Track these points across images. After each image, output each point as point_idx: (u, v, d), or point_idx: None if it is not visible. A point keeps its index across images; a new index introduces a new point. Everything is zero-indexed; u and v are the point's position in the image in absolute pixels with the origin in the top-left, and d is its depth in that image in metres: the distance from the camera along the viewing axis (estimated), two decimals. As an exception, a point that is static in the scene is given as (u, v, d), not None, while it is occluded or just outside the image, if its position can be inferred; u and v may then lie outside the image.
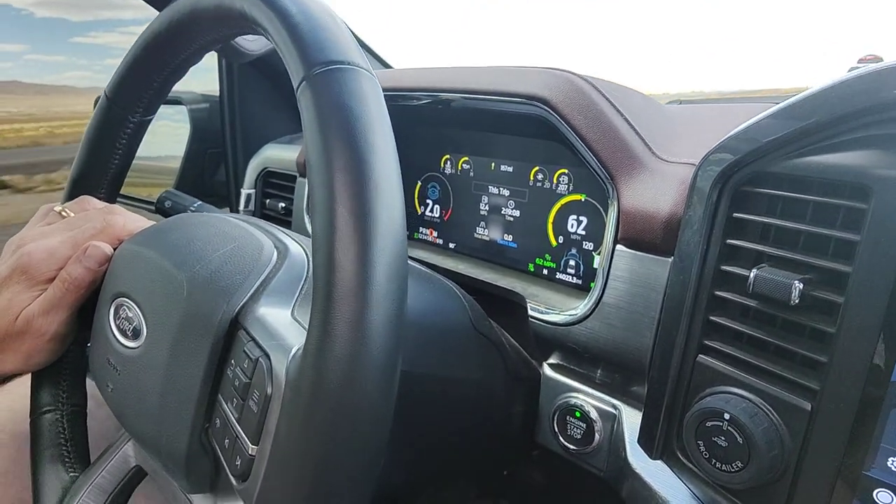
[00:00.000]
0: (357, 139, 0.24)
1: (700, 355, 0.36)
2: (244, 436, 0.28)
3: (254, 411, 0.28)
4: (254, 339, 0.30)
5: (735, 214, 0.34)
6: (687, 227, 0.35)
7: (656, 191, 0.40)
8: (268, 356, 0.28)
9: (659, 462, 0.39)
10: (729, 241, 0.34)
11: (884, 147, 0.27)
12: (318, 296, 0.23)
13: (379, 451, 0.25)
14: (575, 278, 0.54)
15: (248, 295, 0.32)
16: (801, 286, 0.30)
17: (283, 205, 0.74)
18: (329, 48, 0.26)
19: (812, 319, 0.31)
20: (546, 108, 0.44)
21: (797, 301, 0.30)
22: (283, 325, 0.30)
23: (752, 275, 0.32)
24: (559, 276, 0.55)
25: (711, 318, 0.35)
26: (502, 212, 0.59)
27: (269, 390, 0.27)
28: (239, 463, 0.28)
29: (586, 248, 0.53)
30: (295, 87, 0.26)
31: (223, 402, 0.31)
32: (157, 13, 0.40)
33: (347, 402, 0.23)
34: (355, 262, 0.23)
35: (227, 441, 0.29)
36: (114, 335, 0.37)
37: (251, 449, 0.28)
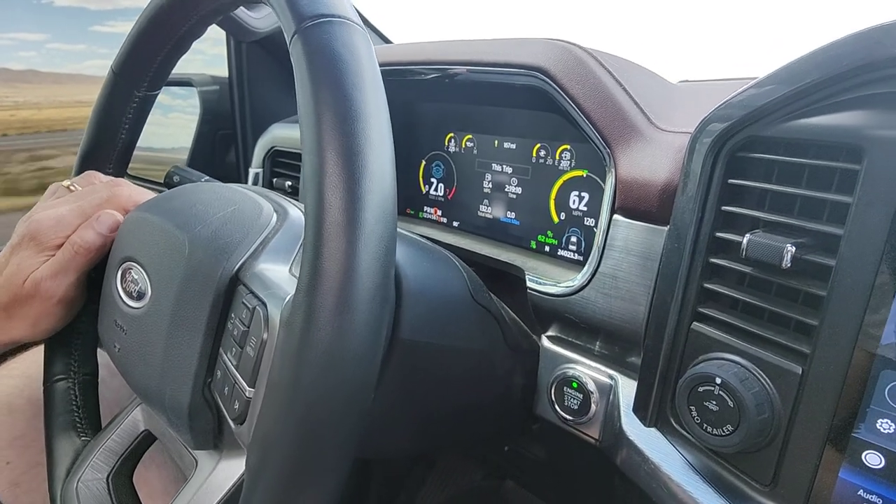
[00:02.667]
0: (346, 84, 0.25)
1: (694, 323, 0.36)
2: (241, 380, 0.29)
3: (251, 356, 0.29)
4: (252, 292, 0.31)
5: (730, 181, 0.34)
6: (682, 194, 0.35)
7: (653, 159, 0.40)
8: (264, 304, 0.29)
9: (653, 430, 0.39)
10: (724, 207, 0.34)
11: (876, 106, 0.27)
12: (308, 234, 0.24)
13: (368, 388, 0.25)
14: (576, 254, 0.54)
15: (248, 253, 0.33)
16: (794, 250, 0.30)
17: (290, 183, 0.75)
18: (320, 2, 0.27)
19: (804, 284, 0.31)
20: (545, 78, 0.44)
21: (789, 265, 0.30)
22: (281, 279, 0.31)
23: (745, 240, 0.32)
24: (560, 252, 0.55)
25: (706, 285, 0.35)
26: (505, 189, 0.60)
27: (264, 336, 0.28)
28: (237, 406, 0.29)
29: (588, 223, 0.53)
30: (287, 41, 0.27)
31: (223, 354, 0.32)
32: None
33: (338, 337, 0.23)
34: (343, 199, 0.23)
35: (226, 389, 0.31)
36: (120, 298, 0.38)
37: (248, 392, 0.29)
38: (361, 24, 0.28)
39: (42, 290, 0.41)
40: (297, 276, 0.33)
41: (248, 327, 0.30)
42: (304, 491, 0.25)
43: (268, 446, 0.26)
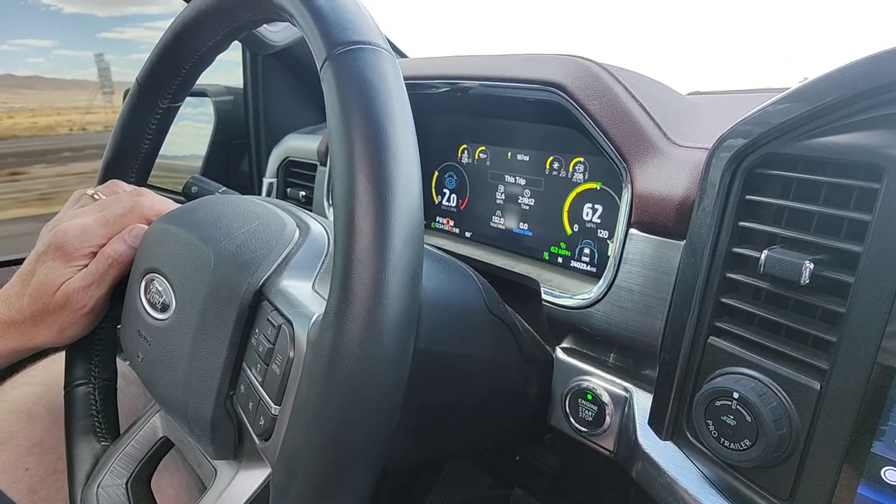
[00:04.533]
0: (377, 112, 0.25)
1: (711, 337, 0.36)
2: (267, 397, 0.30)
3: (276, 374, 0.29)
4: (277, 309, 0.31)
5: (748, 197, 0.34)
6: (700, 209, 0.36)
7: (670, 175, 0.40)
8: (290, 323, 0.29)
9: (668, 443, 0.39)
10: (741, 223, 0.34)
11: (894, 127, 0.28)
12: (338, 259, 0.25)
13: (395, 408, 0.26)
14: (589, 266, 0.54)
15: (272, 269, 0.34)
16: (812, 266, 0.30)
17: (304, 193, 0.76)
18: (351, 29, 0.28)
19: (822, 300, 0.31)
20: (562, 93, 0.45)
21: (807, 281, 0.30)
22: (304, 296, 0.32)
23: (763, 255, 0.32)
24: (574, 263, 0.56)
25: (723, 300, 0.36)
26: (518, 200, 0.60)
27: (291, 354, 0.29)
28: (262, 422, 0.30)
29: (601, 236, 0.53)
30: (318, 67, 0.28)
31: (247, 369, 0.32)
32: (186, 3, 0.42)
33: (366, 360, 0.24)
34: (374, 226, 0.24)
35: (250, 404, 0.31)
36: (144, 308, 0.39)
37: (274, 409, 0.29)
38: (391, 50, 0.28)
39: (73, 300, 0.42)
40: (320, 293, 0.34)
41: (274, 345, 0.30)
42: None
43: (296, 464, 0.26)
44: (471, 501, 0.96)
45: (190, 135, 1.06)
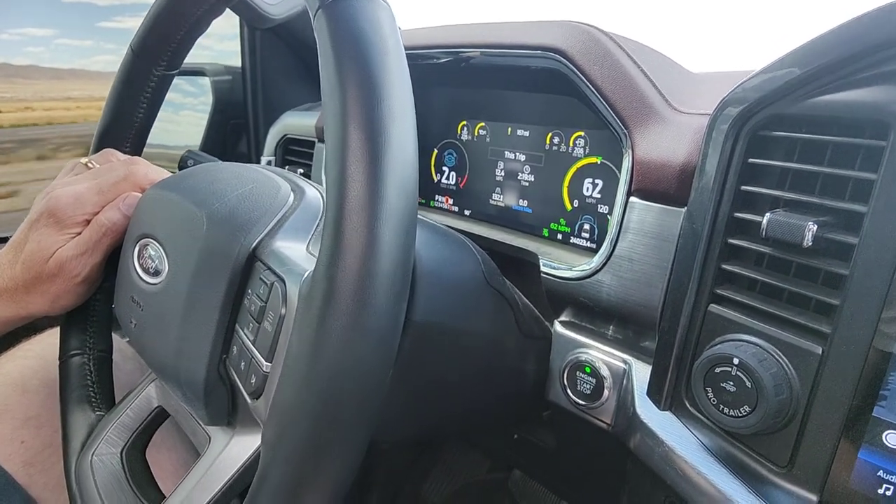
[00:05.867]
0: (370, 61, 0.25)
1: (711, 304, 0.36)
2: (259, 355, 0.29)
3: (268, 331, 0.29)
4: (270, 268, 0.31)
5: (750, 160, 0.34)
6: (701, 174, 0.35)
7: (671, 140, 0.39)
8: (282, 280, 0.29)
9: (667, 413, 0.39)
10: (743, 187, 0.34)
11: (903, 81, 0.27)
12: (329, 210, 0.24)
13: (387, 360, 0.25)
14: (589, 242, 0.54)
15: (265, 231, 0.33)
16: (815, 228, 0.30)
17: (302, 171, 0.75)
18: None
19: (825, 263, 0.31)
20: (563, 58, 0.44)
21: (810, 244, 0.30)
22: (298, 256, 0.31)
23: (765, 219, 0.32)
24: (573, 240, 0.55)
25: (724, 266, 0.35)
26: (518, 177, 0.59)
27: (283, 311, 0.28)
28: (254, 380, 0.29)
29: (601, 211, 0.53)
30: (311, 16, 0.27)
31: (240, 330, 0.32)
32: None
33: (358, 312, 0.23)
34: (366, 175, 0.23)
35: (242, 364, 0.31)
36: (137, 274, 0.38)
37: (265, 366, 0.29)
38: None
39: (67, 269, 0.41)
40: (315, 254, 0.33)
41: (266, 302, 0.30)
42: (321, 463, 0.25)
43: (286, 419, 0.26)
44: (469, 485, 0.96)
45: (190, 125, 1.05)
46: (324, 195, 0.38)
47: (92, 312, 0.48)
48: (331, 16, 0.26)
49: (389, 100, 0.25)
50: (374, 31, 0.26)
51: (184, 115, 1.08)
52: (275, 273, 0.30)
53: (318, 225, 0.35)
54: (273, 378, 0.28)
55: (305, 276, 0.28)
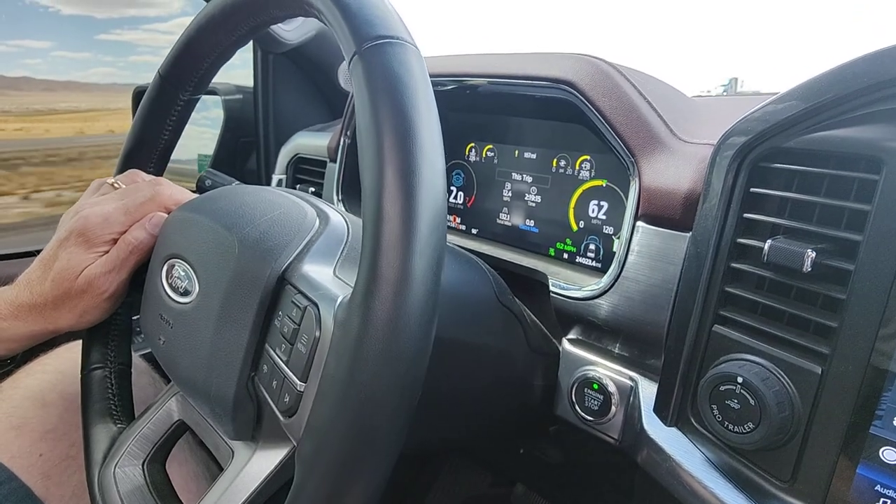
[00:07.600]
0: (404, 105, 0.27)
1: (715, 325, 0.38)
2: (292, 375, 0.31)
3: (302, 353, 0.30)
4: (301, 292, 0.32)
5: (752, 189, 0.36)
6: (705, 202, 0.37)
7: (676, 169, 0.41)
8: (315, 305, 0.31)
9: (673, 429, 0.41)
10: (746, 214, 0.36)
11: (894, 121, 0.29)
12: (366, 244, 0.26)
13: (417, 388, 0.27)
14: (594, 262, 0.55)
15: (294, 254, 0.35)
16: (814, 254, 0.32)
17: (313, 190, 0.77)
18: (378, 24, 0.29)
19: (824, 287, 0.33)
20: (573, 90, 0.46)
21: (809, 269, 0.32)
22: (327, 280, 0.33)
23: (767, 245, 0.34)
24: (579, 259, 0.57)
25: (727, 288, 0.37)
26: (525, 198, 0.62)
27: (317, 334, 0.30)
28: (287, 399, 0.31)
29: (606, 232, 0.55)
30: (347, 62, 0.29)
31: (270, 350, 0.33)
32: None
33: (393, 340, 0.25)
34: (401, 213, 0.25)
35: (274, 383, 0.32)
36: (166, 292, 0.40)
37: (299, 385, 0.30)
38: (415, 43, 0.30)
39: (95, 285, 0.43)
40: (342, 277, 0.35)
41: (299, 325, 0.31)
42: (356, 479, 0.27)
43: (323, 437, 0.28)
44: (471, 500, 0.97)
45: (194, 138, 1.07)
46: (346, 219, 0.40)
47: (113, 327, 0.50)
48: (367, 62, 0.28)
49: (421, 143, 0.27)
50: (407, 75, 0.28)
51: (188, 129, 1.10)
52: (307, 297, 0.32)
53: (343, 249, 0.37)
54: (307, 397, 0.30)
55: (339, 301, 0.30)
